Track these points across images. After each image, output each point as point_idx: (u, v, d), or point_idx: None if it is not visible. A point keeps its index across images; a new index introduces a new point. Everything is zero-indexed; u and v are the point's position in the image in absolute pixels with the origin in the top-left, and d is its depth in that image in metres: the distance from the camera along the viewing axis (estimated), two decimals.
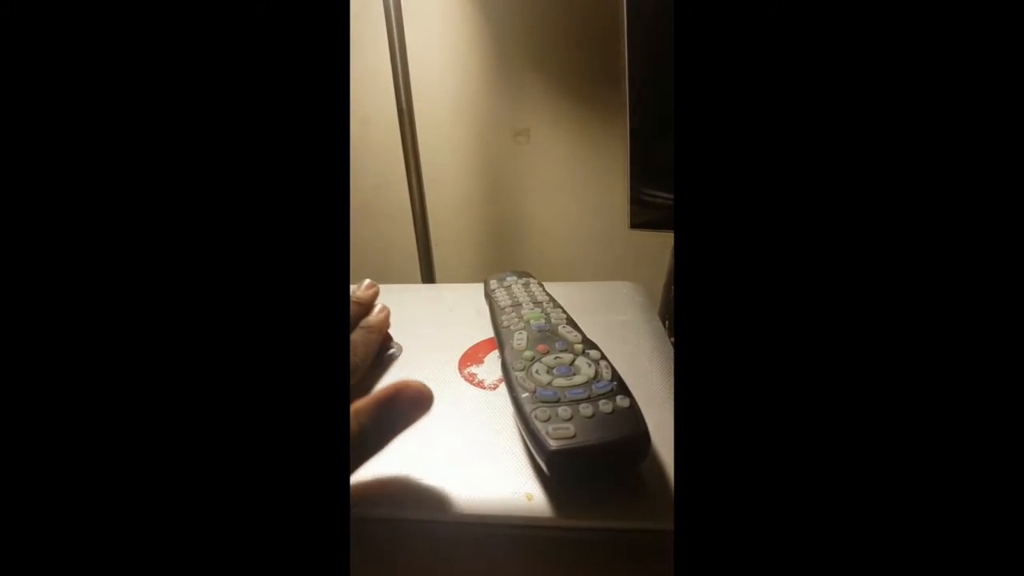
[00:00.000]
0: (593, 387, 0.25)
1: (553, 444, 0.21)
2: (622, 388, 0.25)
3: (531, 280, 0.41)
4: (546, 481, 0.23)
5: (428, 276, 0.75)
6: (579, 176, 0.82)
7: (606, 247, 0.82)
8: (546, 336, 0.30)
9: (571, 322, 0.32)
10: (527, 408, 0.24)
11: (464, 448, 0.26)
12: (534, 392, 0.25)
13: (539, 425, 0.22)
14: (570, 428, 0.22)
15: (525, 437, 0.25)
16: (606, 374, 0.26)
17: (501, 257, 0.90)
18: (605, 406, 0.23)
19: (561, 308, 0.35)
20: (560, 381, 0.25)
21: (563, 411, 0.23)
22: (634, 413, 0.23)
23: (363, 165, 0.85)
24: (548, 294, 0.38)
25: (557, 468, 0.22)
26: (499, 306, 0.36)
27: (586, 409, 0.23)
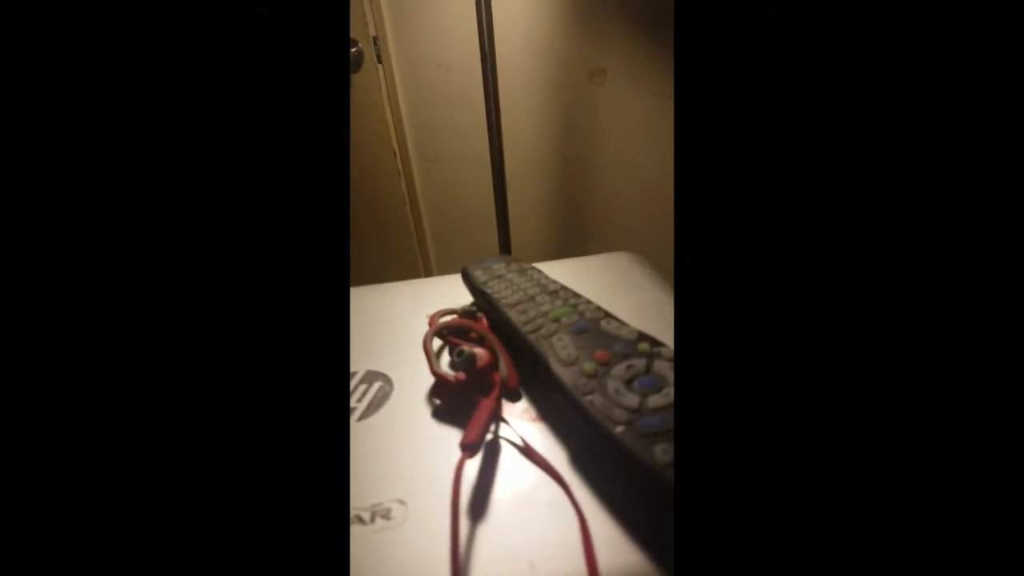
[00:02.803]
0: None
1: None
2: None
3: (523, 264, 0.34)
4: (654, 544, 0.17)
5: (502, 219, 0.76)
6: (658, 119, 0.80)
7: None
8: (593, 338, 0.24)
9: (609, 314, 0.26)
10: (636, 449, 0.17)
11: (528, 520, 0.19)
12: (631, 423, 0.18)
13: (670, 474, 0.16)
14: None
15: (637, 491, 0.18)
16: None
17: (574, 201, 0.90)
18: None
19: (581, 296, 0.28)
20: (657, 399, 0.19)
21: None
22: None
23: (443, 111, 0.86)
24: (553, 280, 0.31)
25: None
26: (504, 303, 0.28)
27: None
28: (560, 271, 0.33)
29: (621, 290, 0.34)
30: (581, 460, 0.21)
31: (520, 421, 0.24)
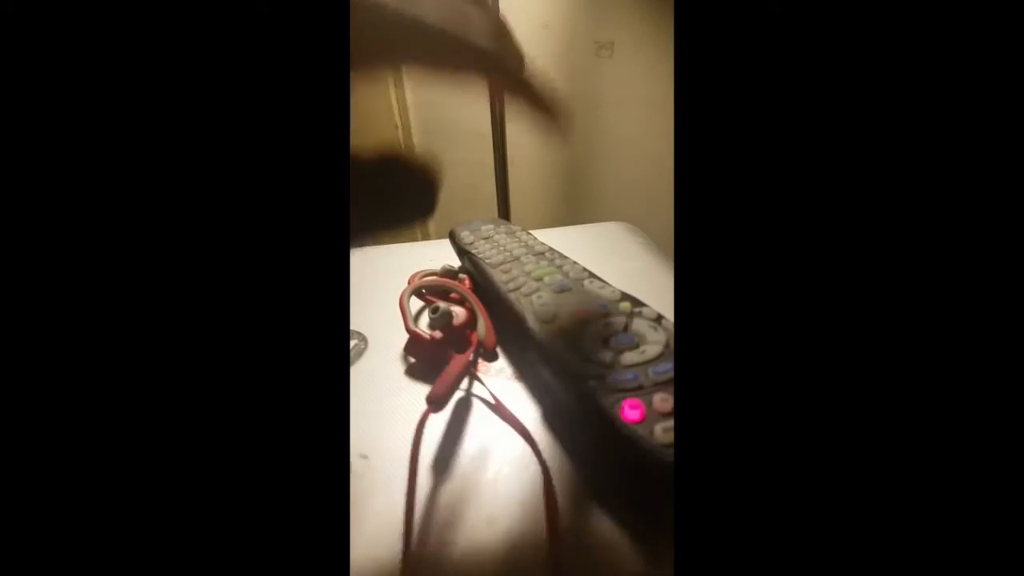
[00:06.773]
0: None
1: (672, 455, 0.14)
2: None
3: (512, 227, 0.33)
4: (618, 504, 0.17)
5: (503, 195, 0.76)
6: (666, 93, 0.78)
7: None
8: (574, 296, 0.23)
9: (593, 275, 0.25)
10: (604, 402, 0.16)
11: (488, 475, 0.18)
12: (602, 379, 0.17)
13: (637, 430, 0.15)
14: None
15: (603, 448, 0.17)
16: None
17: (578, 176, 0.88)
18: None
19: (569, 258, 0.27)
20: (631, 356, 0.18)
21: (660, 400, 0.16)
22: None
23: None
24: (542, 242, 0.30)
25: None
26: (487, 263, 0.27)
27: None
28: (553, 238, 0.32)
29: (612, 257, 0.33)
30: (552, 419, 0.20)
31: (495, 380, 0.23)
